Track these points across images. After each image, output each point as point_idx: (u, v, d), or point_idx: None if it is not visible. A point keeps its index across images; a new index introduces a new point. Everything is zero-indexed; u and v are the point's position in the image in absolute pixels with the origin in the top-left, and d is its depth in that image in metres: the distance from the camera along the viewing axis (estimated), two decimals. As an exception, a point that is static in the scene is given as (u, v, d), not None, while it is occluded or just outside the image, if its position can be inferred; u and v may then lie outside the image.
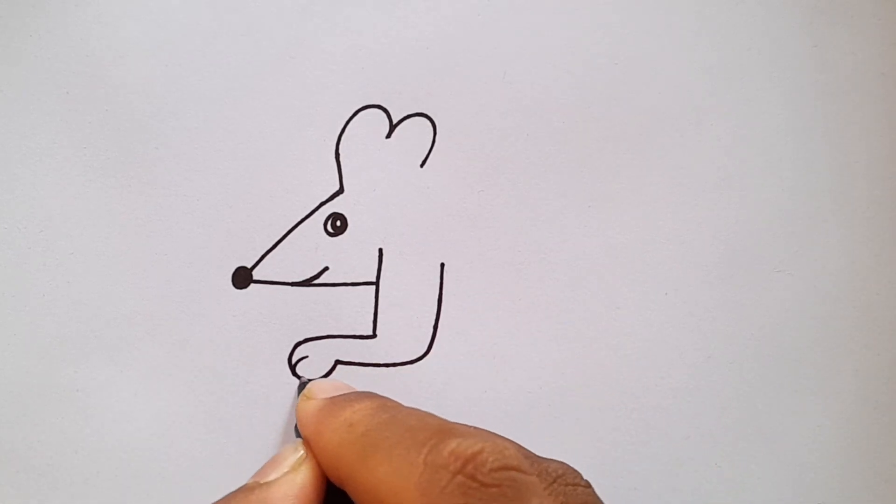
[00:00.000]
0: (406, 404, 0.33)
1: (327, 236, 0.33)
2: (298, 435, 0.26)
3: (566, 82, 0.33)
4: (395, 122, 0.33)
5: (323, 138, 0.33)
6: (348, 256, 0.33)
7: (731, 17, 0.34)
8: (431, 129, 0.33)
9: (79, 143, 0.32)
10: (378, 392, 0.33)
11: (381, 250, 0.33)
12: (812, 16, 0.34)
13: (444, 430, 0.20)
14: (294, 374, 0.33)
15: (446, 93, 0.33)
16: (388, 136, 0.33)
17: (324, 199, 0.33)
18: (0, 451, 0.32)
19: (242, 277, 0.33)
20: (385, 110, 0.33)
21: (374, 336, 0.33)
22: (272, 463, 0.24)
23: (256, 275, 0.33)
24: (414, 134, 0.33)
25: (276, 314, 0.33)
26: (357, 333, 0.33)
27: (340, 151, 0.33)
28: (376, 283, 0.33)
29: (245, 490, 0.23)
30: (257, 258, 0.33)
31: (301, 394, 0.25)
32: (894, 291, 0.35)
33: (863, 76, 0.34)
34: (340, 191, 0.33)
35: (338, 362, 0.33)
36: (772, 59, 0.34)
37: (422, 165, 0.33)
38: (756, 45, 0.34)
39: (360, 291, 0.33)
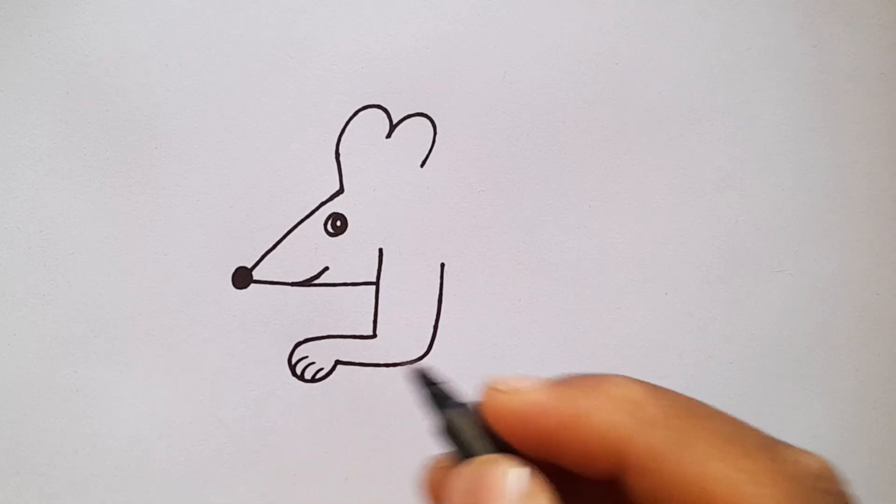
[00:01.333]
0: (406, 404, 0.33)
1: (327, 236, 0.33)
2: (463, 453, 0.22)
3: (566, 82, 0.33)
4: (395, 122, 0.33)
5: (323, 138, 0.33)
6: (348, 256, 0.33)
7: (731, 17, 0.34)
8: (431, 129, 0.33)
9: (79, 143, 0.32)
10: (379, 392, 0.33)
11: (381, 250, 0.33)
12: (812, 16, 0.34)
13: (771, 440, 0.19)
14: (294, 374, 0.33)
15: (446, 93, 0.33)
16: (389, 136, 0.33)
17: (324, 199, 0.33)
18: (0, 451, 0.32)
19: (242, 277, 0.33)
20: (385, 110, 0.33)
21: (374, 336, 0.33)
22: (476, 494, 0.19)
23: (256, 275, 0.33)
24: (414, 134, 0.33)
25: (277, 314, 0.33)
26: (357, 333, 0.33)
27: (340, 151, 0.33)
28: (376, 283, 0.33)
29: None
30: (257, 258, 0.33)
31: (489, 388, 0.20)
32: (894, 291, 0.35)
33: (863, 76, 0.34)
34: (340, 191, 0.33)
35: (338, 362, 0.33)
36: (772, 59, 0.34)
37: (422, 165, 0.33)
38: (756, 45, 0.34)
39: (361, 291, 0.33)
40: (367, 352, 0.33)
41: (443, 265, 0.33)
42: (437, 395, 0.23)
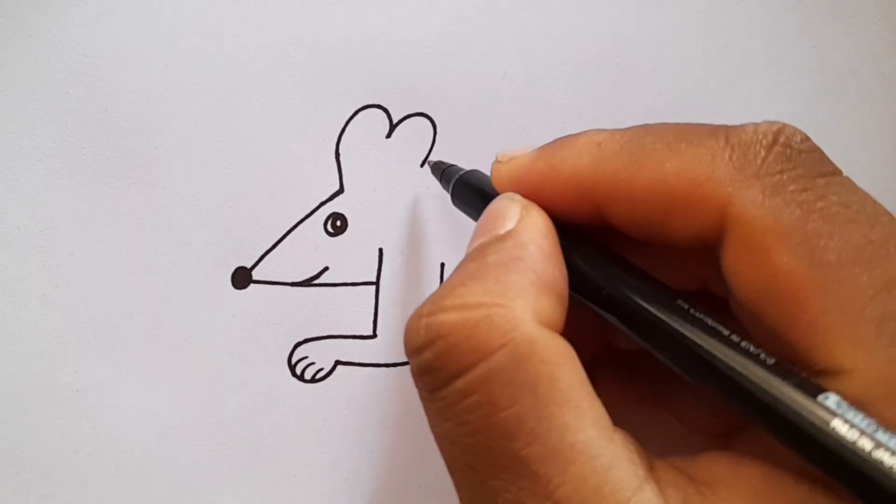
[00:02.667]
0: (406, 404, 0.33)
1: (327, 236, 0.33)
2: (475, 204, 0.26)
3: (566, 82, 0.33)
4: (395, 121, 0.33)
5: (323, 138, 0.33)
6: (348, 256, 0.33)
7: (731, 17, 0.34)
8: (431, 128, 0.33)
9: (79, 143, 0.32)
10: (379, 392, 0.33)
11: (381, 250, 0.33)
12: (812, 16, 0.34)
13: (719, 126, 0.20)
14: (294, 374, 0.33)
15: (446, 93, 0.33)
16: (389, 135, 0.33)
17: (324, 198, 0.33)
18: (0, 451, 0.32)
19: (242, 277, 0.33)
20: (385, 110, 0.33)
21: (374, 336, 0.33)
22: (493, 219, 0.22)
23: (256, 275, 0.33)
24: (414, 134, 0.33)
25: (276, 314, 0.33)
26: (357, 333, 0.33)
27: (340, 151, 0.33)
28: (376, 283, 0.33)
29: (493, 242, 0.21)
30: (257, 258, 0.33)
31: (494, 162, 0.24)
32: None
33: (863, 76, 0.34)
34: (340, 190, 0.33)
35: (338, 362, 0.33)
36: (772, 59, 0.34)
37: (422, 165, 0.33)
38: (756, 45, 0.34)
39: (361, 291, 0.33)
40: (368, 352, 0.33)
41: (443, 265, 0.33)
42: (451, 170, 0.29)
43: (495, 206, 0.23)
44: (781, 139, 0.19)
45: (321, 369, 0.33)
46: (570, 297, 0.21)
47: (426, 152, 0.33)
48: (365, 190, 0.33)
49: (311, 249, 0.33)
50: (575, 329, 0.21)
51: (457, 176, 0.29)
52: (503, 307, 0.18)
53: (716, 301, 0.22)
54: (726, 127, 0.20)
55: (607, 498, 0.17)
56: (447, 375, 0.19)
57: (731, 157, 0.19)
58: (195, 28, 0.32)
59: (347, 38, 0.32)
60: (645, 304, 0.20)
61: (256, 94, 0.32)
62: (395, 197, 0.33)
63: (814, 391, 0.17)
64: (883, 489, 0.16)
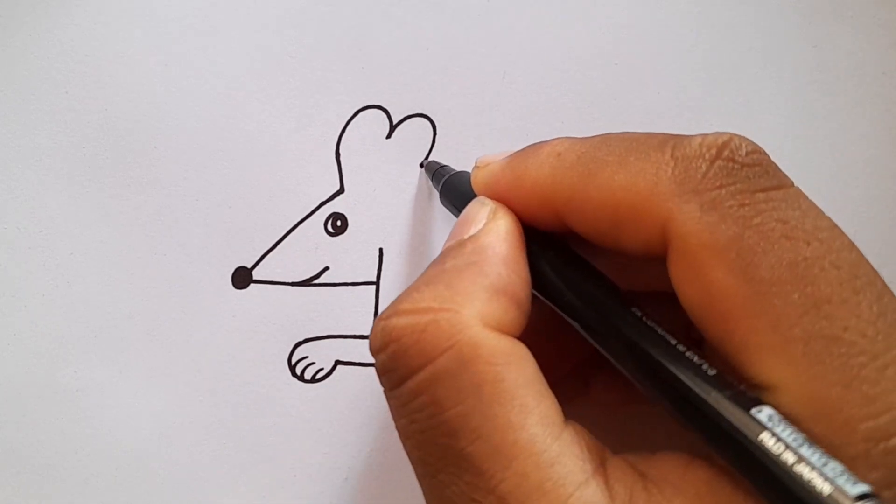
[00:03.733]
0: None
1: (328, 236, 0.33)
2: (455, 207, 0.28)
3: (566, 82, 0.33)
4: (395, 122, 0.33)
5: (323, 138, 0.33)
6: (349, 256, 0.33)
7: (731, 17, 0.34)
8: (431, 129, 0.33)
9: (79, 143, 0.32)
10: (379, 392, 0.33)
11: (381, 250, 0.33)
12: (812, 16, 0.34)
13: (671, 136, 0.21)
14: (294, 374, 0.33)
15: (446, 93, 0.33)
16: (389, 136, 0.33)
17: (324, 198, 0.33)
18: (0, 451, 0.32)
19: (242, 277, 0.33)
20: (385, 110, 0.33)
21: (374, 336, 0.33)
22: (464, 223, 0.23)
23: (256, 275, 0.33)
24: (414, 134, 0.33)
25: (276, 314, 0.33)
26: (357, 333, 0.33)
27: (341, 151, 0.33)
28: (377, 283, 0.33)
29: (455, 246, 0.22)
30: (257, 258, 0.33)
31: (473, 167, 0.25)
32: (894, 291, 0.35)
33: (863, 76, 0.34)
34: (341, 190, 0.33)
35: (338, 362, 0.33)
36: (772, 59, 0.34)
37: (422, 165, 0.33)
38: (756, 45, 0.34)
39: (361, 291, 0.33)
40: (368, 352, 0.33)
41: (443, 265, 0.33)
42: (442, 171, 0.30)
43: (468, 210, 0.24)
44: (725, 153, 0.19)
45: (321, 369, 0.33)
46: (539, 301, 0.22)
47: (426, 152, 0.33)
48: (365, 190, 0.33)
49: (311, 249, 0.33)
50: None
51: (445, 177, 0.30)
52: (450, 312, 0.19)
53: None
54: (675, 138, 0.20)
55: (548, 493, 0.18)
56: (398, 377, 0.20)
57: (673, 172, 0.19)
58: (195, 28, 0.32)
59: (347, 38, 0.32)
60: (599, 311, 0.21)
61: (256, 94, 0.32)
62: (395, 197, 0.33)
63: (748, 404, 0.18)
64: (801, 502, 0.16)
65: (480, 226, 0.22)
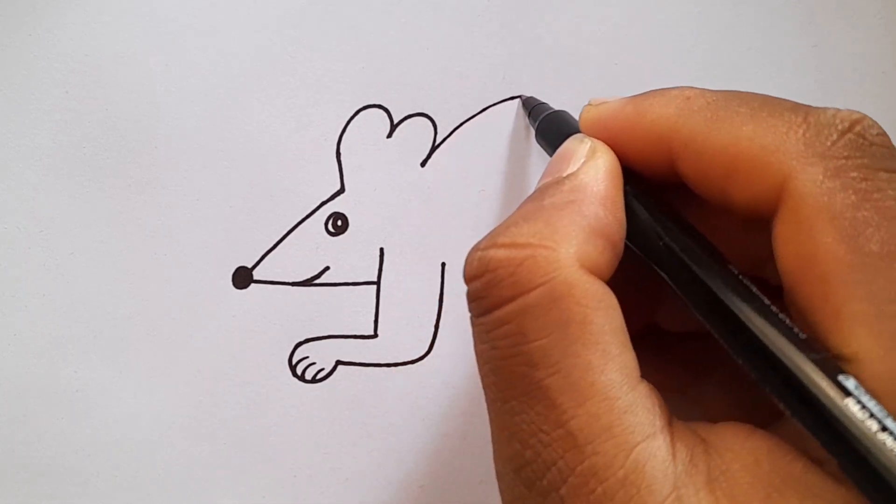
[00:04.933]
0: (407, 404, 0.33)
1: (328, 236, 0.33)
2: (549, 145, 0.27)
3: (566, 82, 0.33)
4: (395, 121, 0.33)
5: (324, 138, 0.33)
6: (349, 256, 0.33)
7: (731, 17, 0.34)
8: (432, 128, 0.33)
9: (79, 143, 0.32)
10: (380, 392, 0.33)
11: (382, 250, 0.33)
12: (812, 16, 0.34)
13: (804, 105, 0.21)
14: (294, 374, 0.33)
15: (447, 93, 0.33)
16: (389, 135, 0.33)
17: (325, 198, 0.33)
18: (0, 451, 0.32)
19: (243, 277, 0.33)
20: (386, 110, 0.33)
21: (375, 336, 0.33)
22: (561, 160, 0.23)
23: (257, 275, 0.33)
24: (415, 133, 0.33)
25: (277, 314, 0.33)
26: (358, 333, 0.33)
27: (341, 151, 0.33)
28: (377, 283, 0.33)
29: (552, 184, 0.22)
30: (258, 258, 0.33)
31: (586, 105, 0.25)
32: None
33: (863, 76, 0.34)
34: (341, 190, 0.33)
35: (339, 362, 0.33)
36: (772, 59, 0.34)
37: (423, 165, 0.33)
38: (756, 45, 0.34)
39: (361, 291, 0.33)
40: (368, 352, 0.33)
41: (444, 264, 0.33)
42: (540, 108, 0.30)
43: (565, 146, 0.24)
44: (857, 128, 0.20)
45: (322, 369, 0.33)
46: (625, 255, 0.22)
47: (427, 152, 0.33)
48: (366, 190, 0.33)
49: (311, 249, 0.33)
50: (643, 287, 0.22)
51: (544, 114, 0.29)
52: (548, 249, 0.20)
53: (766, 290, 0.23)
54: (809, 106, 0.21)
55: (616, 437, 0.18)
56: (488, 305, 0.20)
57: (804, 133, 0.20)
58: (195, 28, 0.32)
59: (348, 37, 0.32)
60: (696, 261, 0.21)
61: (257, 94, 0.32)
62: (395, 197, 0.33)
63: (835, 371, 0.18)
64: (879, 473, 0.16)
65: (579, 164, 0.22)
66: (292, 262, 0.33)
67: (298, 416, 0.33)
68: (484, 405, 0.34)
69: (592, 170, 0.22)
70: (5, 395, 0.32)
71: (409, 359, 0.33)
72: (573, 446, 0.18)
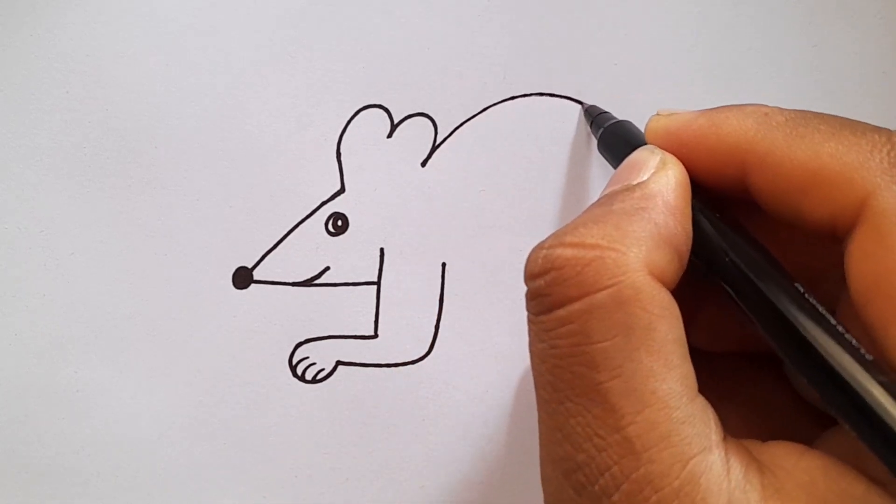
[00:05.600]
0: (408, 404, 0.33)
1: (328, 236, 0.33)
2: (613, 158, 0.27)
3: (566, 82, 0.33)
4: (396, 121, 0.33)
5: (324, 138, 0.33)
6: (349, 256, 0.33)
7: (731, 17, 0.34)
8: (432, 128, 0.33)
9: (79, 143, 0.32)
10: (380, 393, 0.33)
11: (382, 250, 0.33)
12: (812, 16, 0.34)
13: (882, 127, 0.21)
14: (295, 374, 0.33)
15: (447, 93, 0.33)
16: (390, 135, 0.33)
17: (325, 198, 0.33)
18: (0, 451, 0.32)
19: (243, 277, 0.33)
20: (386, 110, 0.33)
21: (375, 336, 0.33)
22: (630, 168, 0.23)
23: (257, 275, 0.33)
24: (415, 133, 0.33)
25: (277, 314, 0.33)
26: (358, 333, 0.33)
27: (342, 151, 0.33)
28: (377, 283, 0.33)
29: (622, 190, 0.22)
30: (258, 258, 0.33)
31: (653, 116, 0.25)
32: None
33: (864, 75, 0.34)
34: (342, 190, 0.33)
35: (339, 363, 0.33)
36: (772, 59, 0.34)
37: (423, 165, 0.33)
38: (756, 45, 0.34)
39: (362, 291, 0.33)
40: (369, 352, 0.33)
41: (444, 265, 0.33)
42: (603, 117, 0.30)
43: (634, 156, 0.24)
44: None
45: (322, 369, 0.33)
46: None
47: (427, 152, 0.33)
48: (366, 190, 0.33)
49: (312, 249, 0.33)
50: (702, 302, 0.22)
51: (608, 123, 0.29)
52: (617, 252, 0.19)
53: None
54: (891, 130, 0.21)
55: (674, 447, 0.18)
56: (552, 303, 0.20)
57: (889, 153, 0.20)
58: (195, 28, 0.32)
59: (348, 37, 0.32)
60: (763, 278, 0.21)
61: (257, 94, 0.32)
62: (396, 197, 0.33)
63: None
64: None
65: (649, 173, 0.22)
66: (292, 262, 0.33)
67: (298, 417, 0.33)
68: (484, 405, 0.34)
69: (663, 179, 0.22)
70: (5, 395, 0.32)
71: (409, 359, 0.33)
72: (629, 452, 0.18)
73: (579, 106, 0.33)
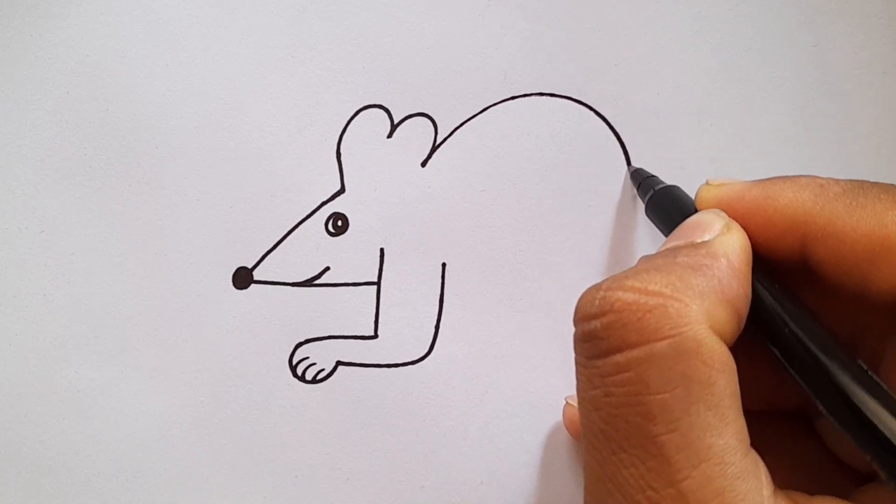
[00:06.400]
0: (407, 404, 0.33)
1: (328, 236, 0.33)
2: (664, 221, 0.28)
3: (566, 83, 0.33)
4: (396, 121, 0.33)
5: (324, 138, 0.33)
6: (349, 256, 0.33)
7: (731, 17, 0.34)
8: (432, 128, 0.33)
9: (79, 143, 0.32)
10: (380, 393, 0.33)
11: (382, 250, 0.33)
12: (812, 16, 0.34)
13: None
14: (295, 374, 0.33)
15: (447, 93, 0.33)
16: (390, 135, 0.33)
17: (325, 198, 0.33)
18: (0, 451, 0.32)
19: (243, 278, 0.33)
20: (386, 110, 0.33)
21: (375, 336, 0.33)
22: (694, 227, 0.23)
23: (257, 275, 0.33)
24: (415, 133, 0.33)
25: (277, 315, 0.33)
26: (358, 334, 0.33)
27: (342, 151, 0.33)
28: (378, 283, 0.33)
29: (686, 246, 0.22)
30: (258, 258, 0.33)
31: (703, 185, 0.25)
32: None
33: (864, 75, 0.34)
34: (342, 190, 0.33)
35: (339, 363, 0.33)
36: (772, 59, 0.34)
37: (423, 165, 0.33)
38: (756, 45, 0.34)
39: (362, 291, 0.33)
40: (369, 352, 0.33)
41: (444, 265, 0.33)
42: (651, 181, 0.30)
43: (699, 217, 0.23)
44: None
45: (322, 370, 0.33)
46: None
47: (427, 152, 0.33)
48: (366, 190, 0.33)
49: (312, 249, 0.33)
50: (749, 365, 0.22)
51: (656, 188, 0.29)
52: (680, 303, 0.19)
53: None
54: None
55: (728, 503, 0.18)
56: (608, 347, 0.19)
57: None
58: (195, 28, 0.32)
59: (348, 37, 0.32)
60: (824, 352, 0.21)
61: (257, 94, 0.32)
62: (396, 197, 0.33)
63: None
64: None
65: (714, 234, 0.22)
66: (292, 262, 0.33)
67: (298, 417, 0.33)
68: (483, 406, 0.34)
69: (728, 241, 0.22)
70: (6, 395, 0.32)
71: (409, 359, 0.33)
72: None
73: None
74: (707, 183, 0.25)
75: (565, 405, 0.31)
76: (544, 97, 0.33)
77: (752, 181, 0.24)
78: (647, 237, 0.34)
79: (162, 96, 0.32)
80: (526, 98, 0.33)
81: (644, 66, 0.34)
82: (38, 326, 0.32)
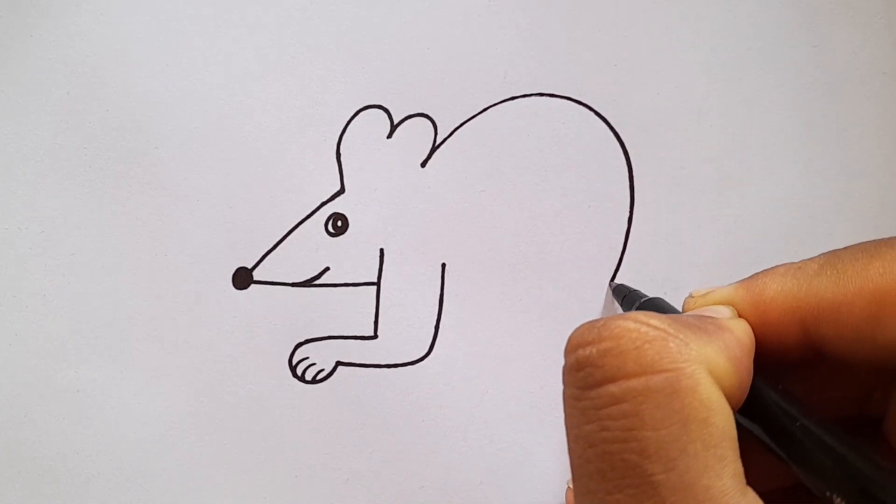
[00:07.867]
0: (407, 404, 0.33)
1: (328, 236, 0.33)
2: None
3: (566, 83, 0.33)
4: (396, 122, 0.33)
5: (324, 138, 0.33)
6: (349, 257, 0.33)
7: (731, 17, 0.34)
8: (432, 128, 0.33)
9: (79, 143, 0.32)
10: (380, 393, 0.33)
11: (382, 250, 0.33)
12: (812, 16, 0.34)
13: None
14: (294, 374, 0.33)
15: (447, 93, 0.33)
16: (390, 135, 0.33)
17: (325, 199, 0.33)
18: (0, 451, 0.32)
19: (243, 278, 0.33)
20: (386, 110, 0.33)
21: (375, 337, 0.33)
22: (703, 312, 0.23)
23: (257, 275, 0.33)
24: (415, 134, 0.33)
25: (277, 315, 0.33)
26: (358, 334, 0.33)
27: (341, 151, 0.33)
28: (377, 284, 0.33)
29: (694, 315, 0.22)
30: (258, 259, 0.33)
31: (687, 297, 0.25)
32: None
33: (864, 75, 0.34)
34: (341, 191, 0.33)
35: (339, 363, 0.33)
36: (772, 59, 0.34)
37: (423, 165, 0.33)
38: (756, 45, 0.34)
39: (362, 292, 0.33)
40: (368, 352, 0.33)
41: (444, 265, 0.33)
42: (635, 295, 0.30)
43: (709, 308, 0.23)
44: None
45: (322, 370, 0.33)
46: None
47: (427, 152, 0.33)
48: (366, 190, 0.33)
49: (311, 250, 0.33)
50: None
51: (640, 301, 0.29)
52: (683, 342, 0.18)
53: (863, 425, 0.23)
54: None
55: None
56: (603, 376, 0.18)
57: None
58: (195, 28, 0.32)
59: (348, 38, 0.32)
60: (841, 448, 0.20)
61: (257, 95, 0.32)
62: (396, 197, 0.33)
63: None
64: None
65: (722, 319, 0.22)
66: (292, 262, 0.33)
67: (298, 417, 0.33)
68: (484, 405, 0.34)
69: (737, 325, 0.21)
70: (5, 395, 0.32)
71: (409, 360, 0.33)
72: None
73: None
74: (691, 295, 0.25)
75: (567, 489, 0.30)
76: (544, 97, 0.33)
77: (734, 284, 0.23)
78: (646, 237, 0.34)
79: (162, 96, 0.32)
80: (526, 98, 0.33)
81: (644, 66, 0.34)
82: (38, 326, 0.32)
